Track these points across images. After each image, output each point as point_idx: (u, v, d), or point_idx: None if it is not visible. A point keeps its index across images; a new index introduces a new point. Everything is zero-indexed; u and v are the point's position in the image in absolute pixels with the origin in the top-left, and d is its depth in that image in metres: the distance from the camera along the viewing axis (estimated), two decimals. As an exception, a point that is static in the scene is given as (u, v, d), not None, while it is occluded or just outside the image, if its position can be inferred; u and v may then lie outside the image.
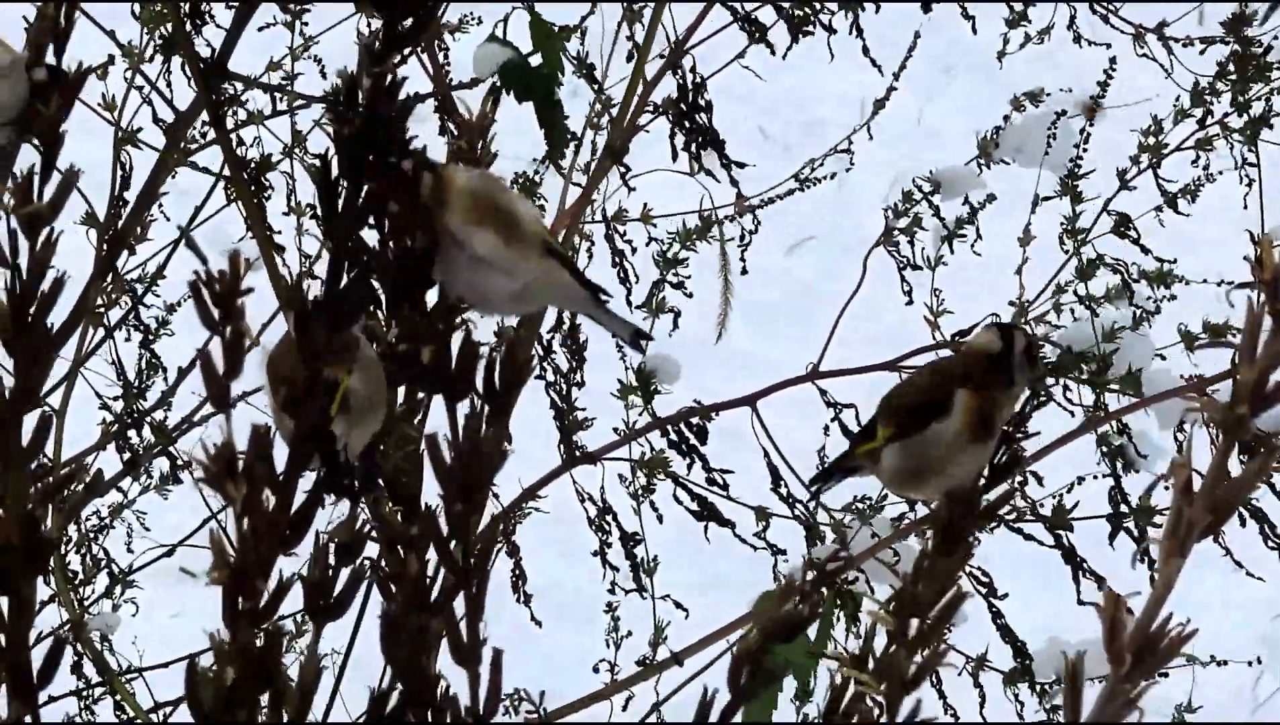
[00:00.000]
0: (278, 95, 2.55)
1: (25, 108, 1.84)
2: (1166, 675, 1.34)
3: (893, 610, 1.41)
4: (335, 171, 1.40)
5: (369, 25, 2.20)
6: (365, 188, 1.38)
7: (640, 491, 2.52)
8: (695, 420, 2.50)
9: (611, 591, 2.55)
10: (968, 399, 2.04)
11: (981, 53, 2.60)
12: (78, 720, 2.75)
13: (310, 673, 1.36)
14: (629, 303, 2.52)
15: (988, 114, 2.56)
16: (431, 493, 1.46)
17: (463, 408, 1.47)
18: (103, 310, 2.70)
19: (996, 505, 1.55)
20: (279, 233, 2.47)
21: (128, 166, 2.59)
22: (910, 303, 2.51)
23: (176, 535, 2.87)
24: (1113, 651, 1.29)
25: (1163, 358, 2.46)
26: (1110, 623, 1.29)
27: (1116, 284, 2.48)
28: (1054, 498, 2.45)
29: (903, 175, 2.54)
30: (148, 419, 2.75)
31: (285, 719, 1.35)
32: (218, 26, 2.43)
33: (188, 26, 2.40)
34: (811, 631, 2.41)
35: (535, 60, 2.45)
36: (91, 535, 2.81)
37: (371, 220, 1.50)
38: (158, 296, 2.74)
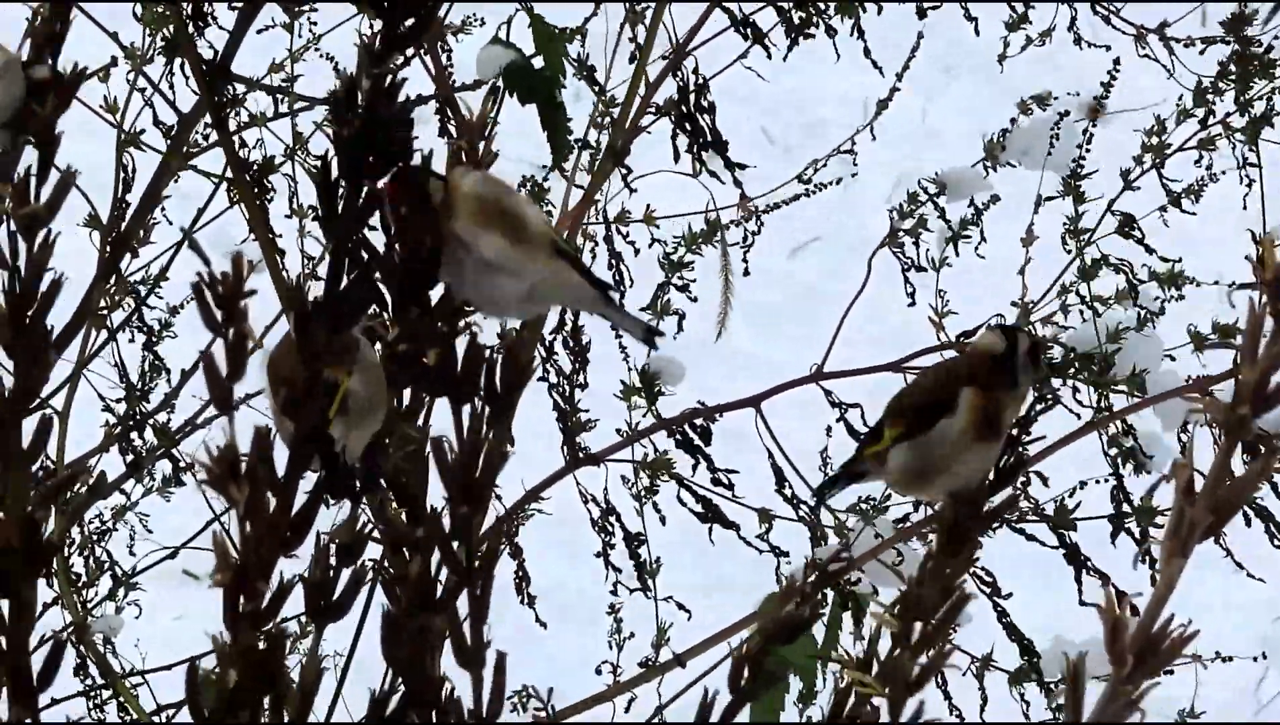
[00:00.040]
0: (279, 97, 2.55)
1: (21, 108, 1.83)
2: (1172, 672, 1.34)
3: (897, 613, 1.41)
4: (335, 173, 1.40)
5: (371, 27, 2.20)
6: (365, 189, 1.38)
7: (644, 493, 2.51)
8: (699, 421, 2.50)
9: (615, 593, 2.55)
10: (972, 397, 2.03)
11: (982, 53, 2.60)
12: (84, 722, 2.75)
13: (311, 674, 1.36)
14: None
15: (989, 115, 2.56)
16: (435, 494, 1.46)
17: (465, 409, 1.47)
18: (105, 313, 2.70)
19: (1001, 509, 1.55)
20: (281, 236, 2.47)
21: (130, 169, 2.59)
22: (914, 304, 2.51)
23: (179, 537, 2.87)
24: (1114, 653, 1.29)
25: (1172, 358, 2.46)
26: (1112, 624, 1.29)
27: (1122, 285, 2.48)
28: (1056, 500, 2.45)
29: (906, 176, 2.54)
30: (150, 421, 2.75)
31: (286, 720, 1.35)
32: (220, 29, 2.43)
33: (190, 28, 2.40)
34: (819, 634, 2.41)
35: (538, 63, 2.45)
36: (94, 538, 2.81)
37: (378, 223, 1.51)
38: (161, 298, 2.74)
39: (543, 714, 2.36)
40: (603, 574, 2.55)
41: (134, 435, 2.75)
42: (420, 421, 1.57)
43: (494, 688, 1.41)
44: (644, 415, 2.51)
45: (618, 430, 2.52)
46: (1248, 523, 2.42)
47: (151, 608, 2.90)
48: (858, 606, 2.43)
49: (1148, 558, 2.44)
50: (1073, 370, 2.44)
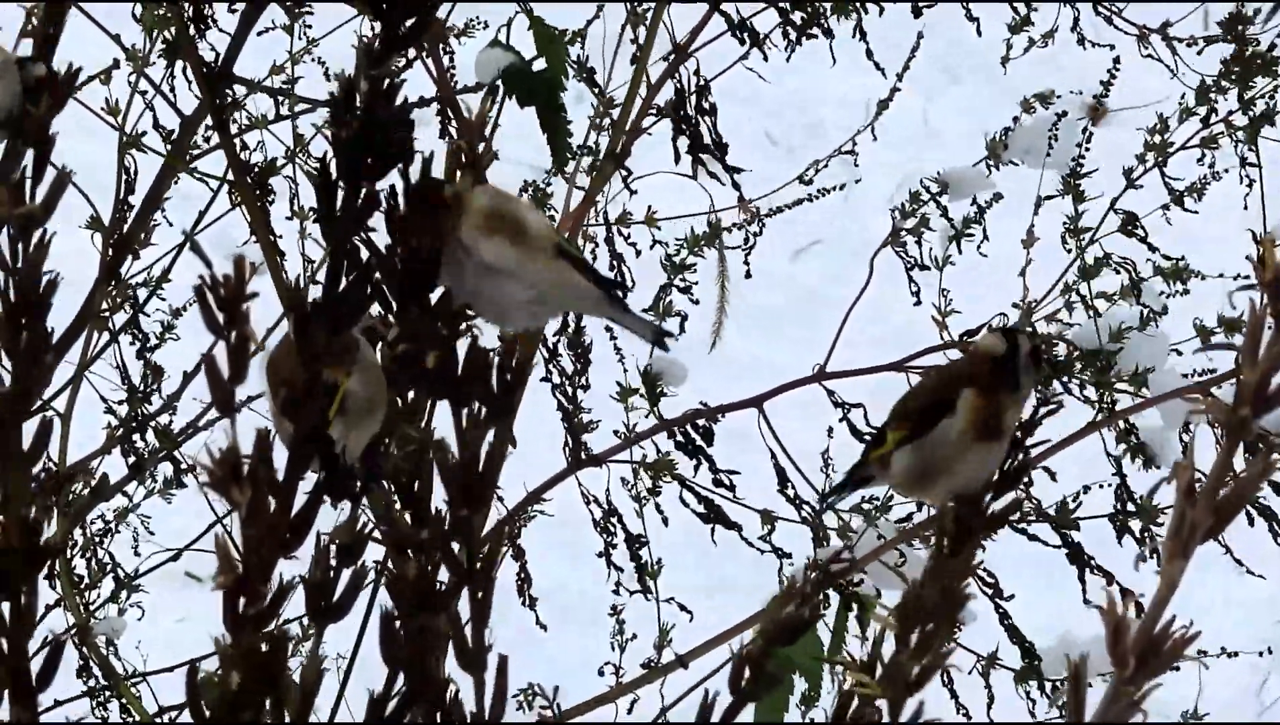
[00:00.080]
0: (280, 99, 2.55)
1: (17, 108, 1.83)
2: (1178, 668, 1.34)
3: (898, 615, 1.41)
4: (334, 174, 1.40)
5: (372, 28, 2.20)
6: (364, 190, 1.38)
7: (645, 494, 2.51)
8: (701, 422, 2.50)
9: (617, 594, 2.55)
10: (972, 399, 2.03)
11: (983, 54, 2.60)
12: (87, 723, 2.75)
13: (312, 674, 1.36)
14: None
15: (990, 115, 2.56)
16: (437, 495, 1.46)
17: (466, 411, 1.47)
18: (107, 315, 2.70)
19: (1005, 512, 1.55)
20: (282, 237, 2.47)
21: (132, 170, 2.59)
22: (918, 303, 2.51)
23: (181, 539, 2.87)
24: (1116, 654, 1.29)
25: (1179, 353, 2.46)
26: (1114, 625, 1.29)
27: (1125, 282, 2.48)
28: (1058, 501, 2.45)
29: (909, 177, 2.54)
30: (152, 423, 2.75)
31: (288, 721, 1.35)
32: (221, 31, 2.43)
33: (191, 31, 2.40)
34: (825, 637, 2.41)
35: (539, 65, 2.45)
36: (97, 539, 2.81)
37: (383, 226, 1.51)
38: (163, 300, 2.74)
39: (548, 713, 2.37)
40: (604, 575, 2.55)
41: (136, 437, 2.75)
42: (423, 423, 1.57)
43: (496, 690, 1.41)
44: (645, 416, 2.51)
45: (616, 432, 2.52)
46: (1250, 522, 2.42)
47: (154, 609, 2.90)
48: (862, 608, 2.43)
49: (1156, 555, 2.44)
50: (1077, 367, 2.44)
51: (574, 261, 1.70)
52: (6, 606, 1.37)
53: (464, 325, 1.58)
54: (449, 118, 2.43)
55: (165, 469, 2.82)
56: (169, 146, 2.52)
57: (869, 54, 2.51)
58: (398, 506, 1.46)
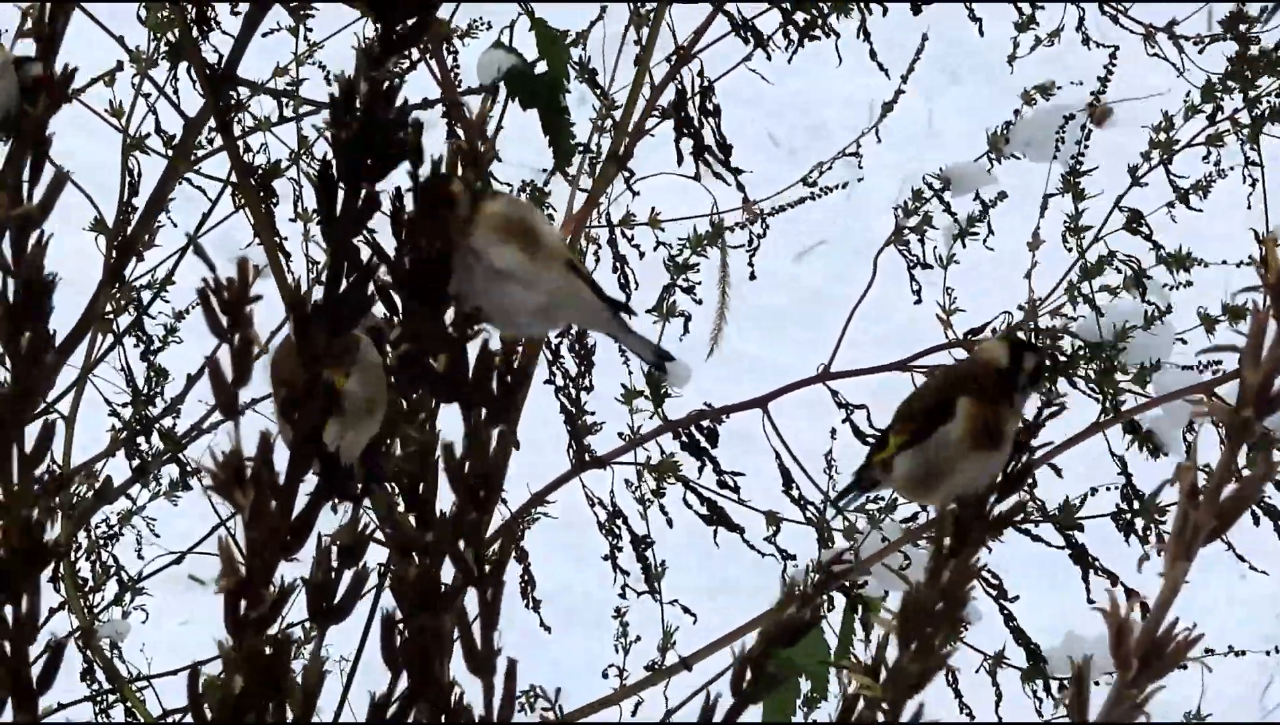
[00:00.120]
0: (284, 101, 2.55)
1: (16, 108, 1.83)
2: (1185, 667, 1.34)
3: (899, 617, 1.41)
4: (335, 175, 1.40)
5: (375, 29, 2.20)
6: (364, 191, 1.38)
7: (649, 495, 2.51)
8: (706, 423, 2.50)
9: (621, 596, 2.55)
10: (969, 407, 2.03)
11: (984, 55, 2.60)
12: (88, 724, 2.75)
13: (314, 676, 1.36)
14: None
15: (992, 117, 2.55)
16: (443, 497, 1.45)
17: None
18: (111, 317, 2.70)
19: (1008, 515, 1.55)
20: (286, 239, 2.47)
21: (136, 172, 2.59)
22: (920, 302, 2.51)
23: (185, 542, 2.87)
24: (1119, 656, 1.29)
25: (1184, 342, 2.45)
26: (1117, 627, 1.29)
27: (1129, 276, 2.48)
28: (1063, 502, 2.45)
29: (912, 178, 2.54)
30: (157, 426, 2.75)
31: (290, 721, 1.35)
32: (224, 33, 2.43)
33: (194, 32, 2.40)
34: (831, 640, 2.41)
35: (541, 67, 2.44)
36: (101, 542, 2.82)
37: (390, 229, 1.51)
38: (167, 302, 2.74)
39: (550, 714, 2.36)
40: (609, 577, 2.55)
41: (140, 440, 2.75)
42: (429, 425, 1.57)
43: (505, 694, 1.41)
44: (649, 418, 2.51)
45: (620, 433, 2.52)
46: (1255, 522, 2.42)
47: (158, 612, 2.90)
48: (867, 610, 2.43)
49: (1162, 554, 2.43)
50: (1081, 363, 2.43)
51: (584, 278, 1.71)
52: (9, 609, 1.37)
53: (475, 327, 1.58)
54: (455, 119, 2.43)
55: (169, 472, 2.82)
56: (172, 149, 2.52)
57: (873, 55, 2.51)
58: (401, 508, 1.46)
